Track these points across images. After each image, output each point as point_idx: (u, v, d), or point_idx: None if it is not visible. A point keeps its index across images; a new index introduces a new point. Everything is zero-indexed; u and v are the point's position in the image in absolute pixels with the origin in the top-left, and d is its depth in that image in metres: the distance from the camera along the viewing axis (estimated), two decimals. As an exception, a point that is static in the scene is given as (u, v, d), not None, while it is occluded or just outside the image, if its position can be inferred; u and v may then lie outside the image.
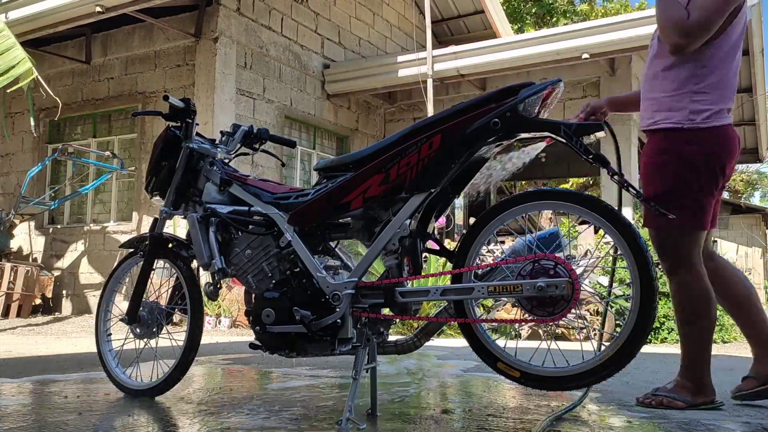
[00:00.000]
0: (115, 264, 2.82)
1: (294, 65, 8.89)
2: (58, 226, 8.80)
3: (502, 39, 9.92)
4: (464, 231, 2.08)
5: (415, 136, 2.02)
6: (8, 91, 6.73)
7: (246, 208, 2.35)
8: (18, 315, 7.69)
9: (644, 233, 2.43)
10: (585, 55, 8.10)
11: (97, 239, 8.37)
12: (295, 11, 8.97)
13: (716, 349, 5.29)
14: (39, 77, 6.28)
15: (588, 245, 7.09)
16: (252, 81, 8.18)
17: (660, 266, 2.48)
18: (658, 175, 2.39)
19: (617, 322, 5.65)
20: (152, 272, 2.65)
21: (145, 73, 8.25)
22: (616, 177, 1.90)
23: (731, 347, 5.69)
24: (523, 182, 15.36)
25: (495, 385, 2.99)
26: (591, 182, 17.25)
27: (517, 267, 1.95)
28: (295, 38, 8.93)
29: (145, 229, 6.03)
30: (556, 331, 4.84)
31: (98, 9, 6.87)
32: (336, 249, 2.36)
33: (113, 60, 8.52)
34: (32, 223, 8.79)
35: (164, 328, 2.62)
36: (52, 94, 6.33)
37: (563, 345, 2.23)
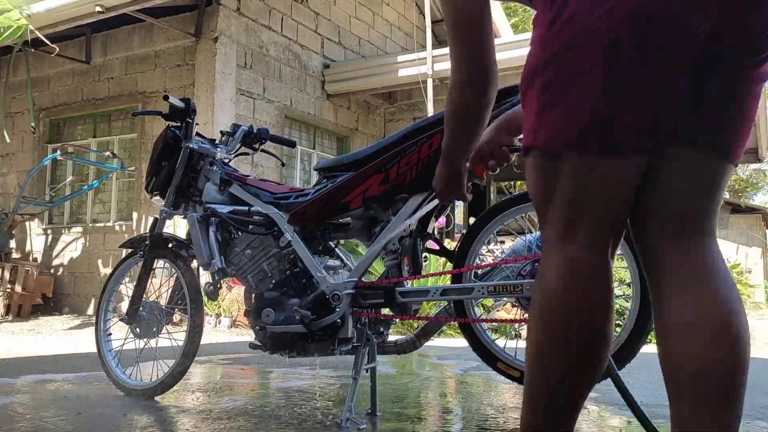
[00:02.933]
0: (116, 264, 2.82)
1: (294, 65, 8.88)
2: (58, 226, 8.79)
3: (502, 39, 9.90)
4: (464, 231, 2.08)
5: (415, 136, 2.02)
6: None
7: (246, 208, 2.35)
8: (18, 315, 7.69)
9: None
10: (585, 55, 8.09)
11: (97, 239, 8.37)
12: (295, 11, 8.96)
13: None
14: (35, 29, 6.47)
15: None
16: (252, 81, 8.17)
17: None
18: None
19: (617, 322, 5.63)
20: (152, 272, 2.66)
21: (145, 73, 8.24)
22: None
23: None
24: (523, 182, 15.36)
25: (495, 385, 2.98)
26: None
27: (517, 267, 1.95)
28: (295, 38, 8.93)
29: (145, 229, 6.02)
30: (556, 331, 4.84)
31: (98, 9, 6.85)
32: (336, 249, 2.36)
33: (113, 60, 8.51)
34: (32, 223, 8.79)
35: (164, 328, 2.62)
36: (46, 41, 6.52)
37: (563, 345, 2.22)
